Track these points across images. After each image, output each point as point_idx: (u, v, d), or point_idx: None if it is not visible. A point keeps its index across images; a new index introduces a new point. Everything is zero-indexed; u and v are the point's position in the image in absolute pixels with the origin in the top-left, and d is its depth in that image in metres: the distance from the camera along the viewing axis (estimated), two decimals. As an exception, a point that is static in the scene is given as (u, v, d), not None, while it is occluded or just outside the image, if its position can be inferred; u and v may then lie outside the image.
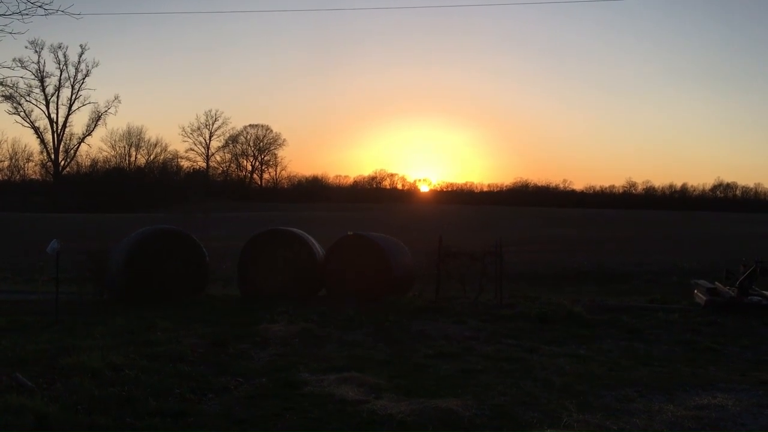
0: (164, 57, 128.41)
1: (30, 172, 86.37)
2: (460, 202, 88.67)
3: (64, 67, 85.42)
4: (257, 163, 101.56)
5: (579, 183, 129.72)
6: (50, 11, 9.53)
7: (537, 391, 7.45)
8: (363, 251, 16.17)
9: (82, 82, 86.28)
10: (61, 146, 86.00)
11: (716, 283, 14.91)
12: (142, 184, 79.87)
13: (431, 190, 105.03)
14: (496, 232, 19.62)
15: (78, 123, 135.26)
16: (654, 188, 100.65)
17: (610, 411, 6.77)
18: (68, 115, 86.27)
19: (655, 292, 17.32)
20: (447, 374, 8.30)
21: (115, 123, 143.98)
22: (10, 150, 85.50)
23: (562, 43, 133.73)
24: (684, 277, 19.93)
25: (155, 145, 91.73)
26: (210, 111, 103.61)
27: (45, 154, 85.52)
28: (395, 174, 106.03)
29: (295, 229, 17.34)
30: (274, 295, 15.33)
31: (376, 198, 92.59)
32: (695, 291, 14.93)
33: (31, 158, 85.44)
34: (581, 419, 6.44)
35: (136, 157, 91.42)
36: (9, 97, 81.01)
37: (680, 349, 10.21)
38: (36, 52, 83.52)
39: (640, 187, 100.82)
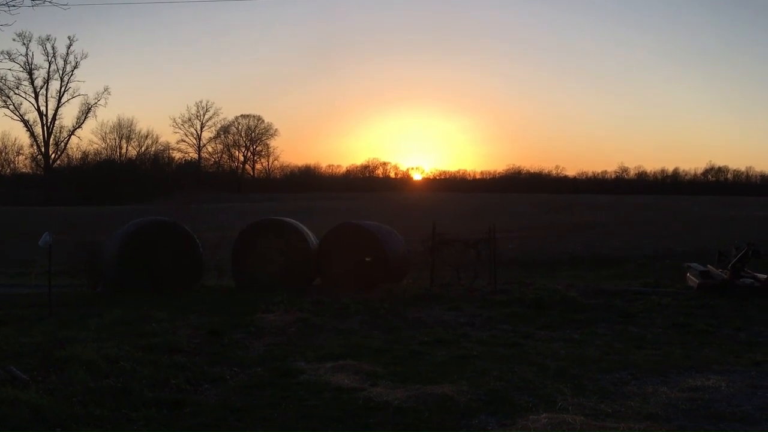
0: (154, 48, 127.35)
1: (20, 165, 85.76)
2: (454, 190, 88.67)
3: (53, 59, 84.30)
4: (249, 154, 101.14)
5: (571, 169, 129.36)
6: (37, 2, 9.41)
7: (532, 376, 7.49)
8: (357, 240, 16.17)
9: (71, 74, 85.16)
10: (52, 139, 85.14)
11: (709, 266, 14.99)
12: (134, 176, 79.43)
13: (424, 178, 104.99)
14: (489, 218, 19.61)
15: (68, 115, 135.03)
16: (646, 173, 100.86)
17: (604, 394, 6.81)
18: (58, 107, 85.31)
19: (649, 276, 17.39)
20: (443, 360, 8.33)
21: (106, 115, 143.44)
22: (0, 144, 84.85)
23: (552, 30, 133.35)
24: (677, 260, 20.02)
25: (146, 136, 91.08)
26: (201, 102, 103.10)
27: (35, 147, 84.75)
28: (388, 163, 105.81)
29: (288, 219, 17.32)
30: (268, 284, 15.33)
31: (369, 187, 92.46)
32: (688, 274, 15.00)
33: (21, 152, 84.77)
34: (576, 402, 6.47)
35: (127, 149, 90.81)
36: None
37: (674, 332, 10.28)
38: (24, 44, 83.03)
39: (632, 173, 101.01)
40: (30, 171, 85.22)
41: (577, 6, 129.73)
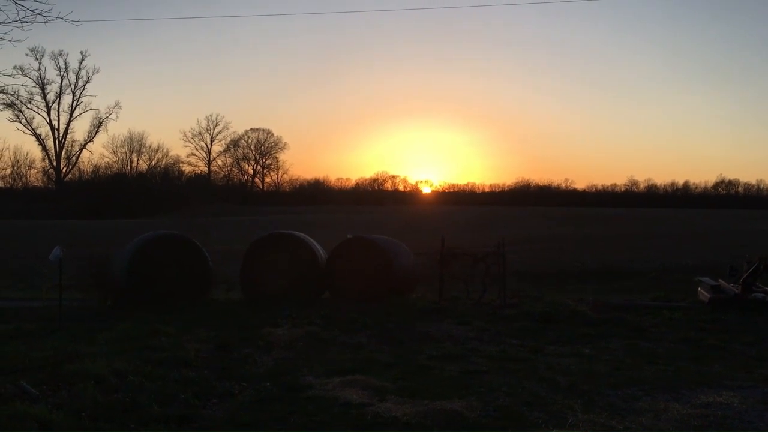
0: (164, 62, 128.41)
1: (32, 179, 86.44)
2: (462, 203, 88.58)
3: (65, 74, 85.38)
4: (259, 167, 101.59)
5: (581, 182, 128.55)
6: (49, 18, 9.49)
7: (542, 392, 7.44)
8: (365, 253, 16.16)
9: (83, 89, 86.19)
10: (63, 153, 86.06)
11: (720, 280, 14.87)
12: (144, 190, 79.90)
13: (433, 192, 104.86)
14: (498, 232, 19.60)
15: (79, 129, 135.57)
16: (656, 186, 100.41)
17: (615, 410, 6.75)
18: (69, 121, 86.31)
19: (659, 290, 17.28)
20: (451, 375, 8.29)
21: (117, 129, 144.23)
22: (12, 158, 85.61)
23: (562, 42, 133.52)
24: (687, 274, 19.85)
25: (157, 150, 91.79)
26: (211, 115, 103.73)
27: (47, 161, 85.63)
28: (397, 176, 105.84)
29: (297, 233, 17.35)
30: (277, 298, 15.32)
31: (378, 200, 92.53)
32: (699, 288, 14.89)
33: (33, 165, 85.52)
34: (587, 419, 6.42)
35: (137, 163, 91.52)
36: (10, 105, 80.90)
37: (685, 347, 10.19)
38: (36, 59, 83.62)
39: (642, 186, 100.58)
40: (41, 185, 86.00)
41: (586, 19, 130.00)
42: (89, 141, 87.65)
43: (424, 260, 18.13)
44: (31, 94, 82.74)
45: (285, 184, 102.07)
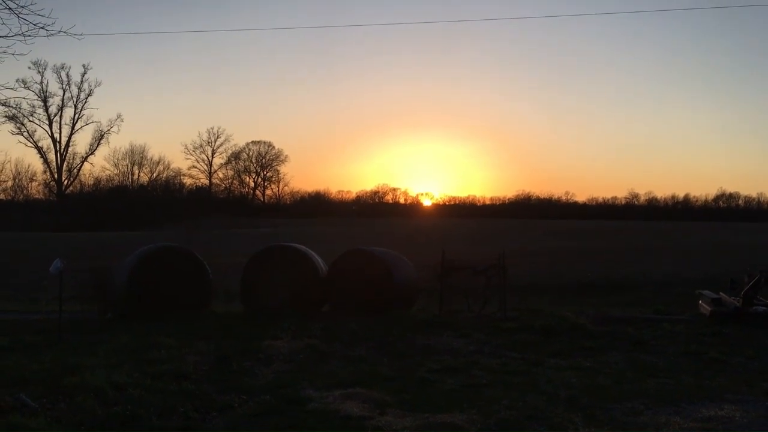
0: (166, 75, 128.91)
1: (33, 191, 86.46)
2: (463, 216, 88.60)
3: (67, 87, 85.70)
4: (260, 180, 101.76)
5: (581, 195, 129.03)
6: (52, 32, 9.54)
7: (543, 405, 7.42)
8: (366, 266, 16.15)
9: (85, 102, 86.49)
10: (64, 166, 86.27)
11: (721, 293, 14.84)
12: (145, 202, 79.98)
13: (434, 204, 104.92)
14: (499, 244, 19.56)
15: (81, 142, 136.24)
16: (656, 199, 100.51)
17: (616, 424, 6.73)
18: (71, 134, 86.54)
19: (660, 302, 17.25)
20: (452, 389, 8.27)
21: (118, 142, 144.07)
22: (14, 170, 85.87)
23: (563, 55, 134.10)
24: (688, 287, 19.81)
25: (158, 163, 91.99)
26: (212, 128, 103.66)
27: (48, 173, 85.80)
28: (398, 188, 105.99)
29: (297, 245, 17.35)
30: (277, 310, 15.30)
31: (378, 212, 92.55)
32: (700, 301, 14.87)
33: (34, 178, 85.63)
34: (588, 433, 6.40)
35: (138, 175, 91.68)
36: (12, 118, 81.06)
37: (686, 361, 10.16)
38: (39, 72, 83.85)
39: (642, 198, 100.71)
40: (43, 197, 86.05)
41: (587, 33, 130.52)
42: (91, 153, 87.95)
43: (424, 273, 18.10)
44: (33, 107, 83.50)
45: (286, 197, 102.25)
